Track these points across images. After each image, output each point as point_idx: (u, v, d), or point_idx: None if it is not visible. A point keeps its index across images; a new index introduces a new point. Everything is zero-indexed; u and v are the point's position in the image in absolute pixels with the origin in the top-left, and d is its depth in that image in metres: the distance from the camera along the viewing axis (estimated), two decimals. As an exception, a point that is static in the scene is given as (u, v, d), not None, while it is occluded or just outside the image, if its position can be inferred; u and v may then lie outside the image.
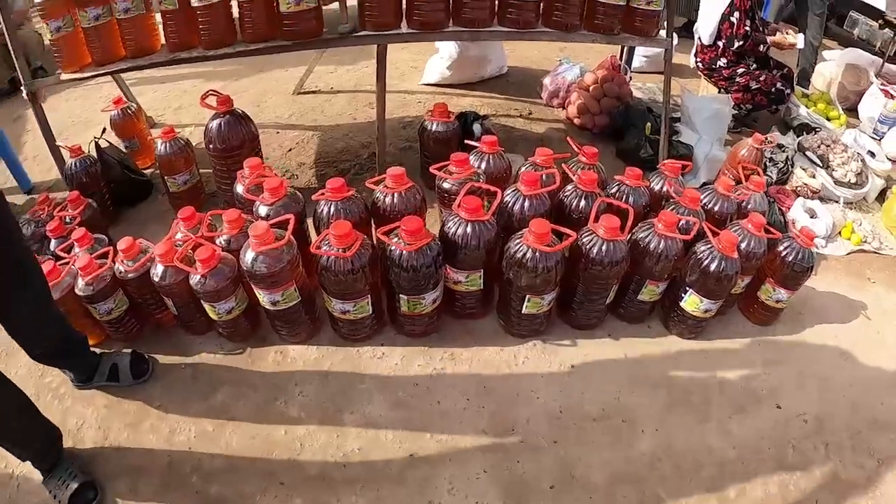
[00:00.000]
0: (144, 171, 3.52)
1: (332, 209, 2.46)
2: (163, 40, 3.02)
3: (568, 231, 2.28)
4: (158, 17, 2.94)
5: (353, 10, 3.00)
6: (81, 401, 2.34)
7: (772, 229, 2.52)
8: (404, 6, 2.98)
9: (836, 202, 3.60)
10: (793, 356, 2.66)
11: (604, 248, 2.30)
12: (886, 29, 5.40)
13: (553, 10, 3.02)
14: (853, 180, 3.64)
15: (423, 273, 2.26)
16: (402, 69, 4.71)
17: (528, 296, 2.37)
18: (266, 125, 4.02)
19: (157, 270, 2.29)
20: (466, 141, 2.81)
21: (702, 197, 2.70)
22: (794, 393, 2.50)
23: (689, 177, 3.61)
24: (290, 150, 3.77)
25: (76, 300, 2.34)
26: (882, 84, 4.51)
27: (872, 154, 3.88)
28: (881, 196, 3.76)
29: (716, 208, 2.70)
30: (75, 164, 3.05)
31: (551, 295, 2.41)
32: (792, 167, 3.70)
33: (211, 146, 2.99)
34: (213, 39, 2.90)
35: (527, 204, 2.47)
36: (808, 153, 3.78)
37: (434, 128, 3.15)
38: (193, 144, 3.25)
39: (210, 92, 3.02)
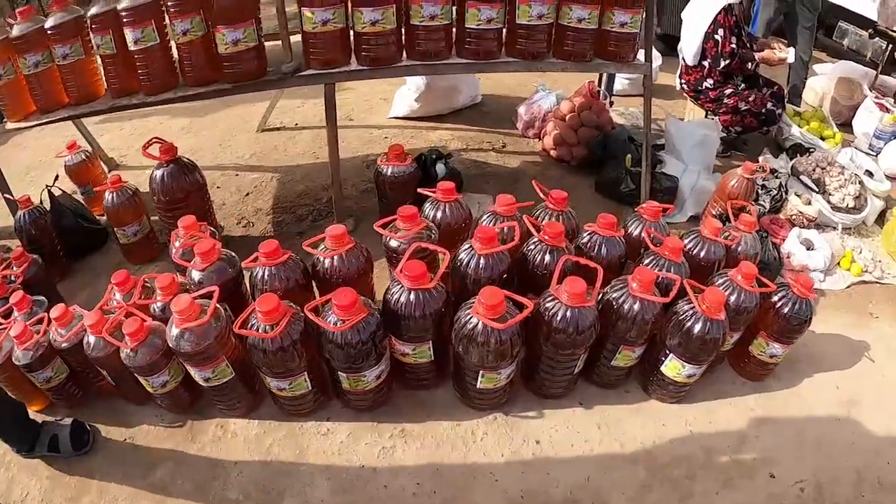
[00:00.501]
0: (100, 219, 3.26)
1: (267, 275, 2.16)
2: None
3: (524, 301, 1.91)
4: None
5: (298, 46, 2.66)
6: (26, 470, 2.19)
7: (765, 280, 2.17)
8: (352, 41, 2.65)
9: (834, 228, 3.27)
10: (789, 414, 2.35)
11: (568, 315, 1.94)
12: (877, 38, 5.09)
13: (517, 38, 2.68)
14: (851, 204, 3.30)
15: (361, 350, 1.94)
16: (371, 101, 4.35)
17: (481, 371, 2.02)
18: (226, 166, 3.73)
19: (89, 340, 2.07)
20: (420, 189, 2.44)
21: (686, 242, 2.35)
22: (790, 458, 2.19)
23: (674, 210, 3.24)
24: (247, 194, 3.44)
25: (16, 367, 2.17)
26: (876, 97, 4.23)
27: (870, 174, 3.53)
28: (880, 218, 3.42)
29: (702, 254, 2.34)
30: (24, 216, 2.82)
31: (509, 369, 2.07)
32: (786, 194, 3.32)
33: (155, 198, 2.74)
34: (154, 85, 2.65)
35: (483, 263, 2.10)
36: (802, 177, 3.43)
37: (389, 172, 2.80)
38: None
39: (153, 140, 2.78)
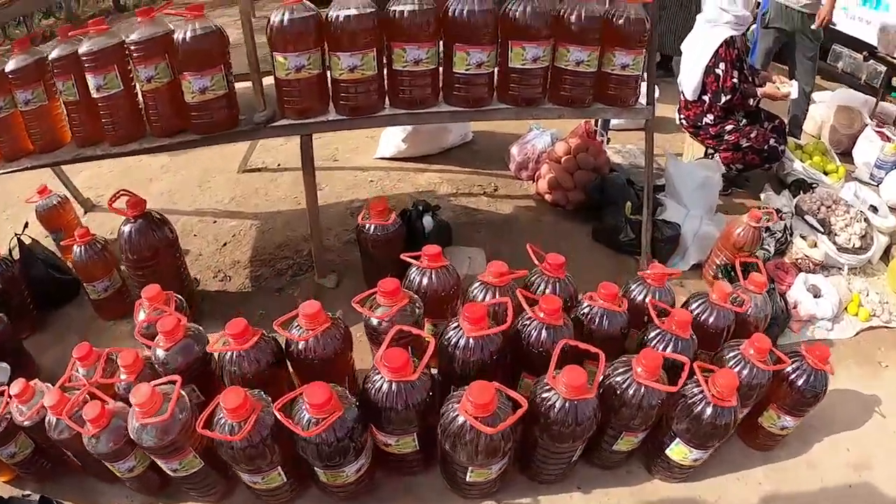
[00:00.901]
0: (72, 268, 2.98)
1: (236, 357, 1.92)
2: (72, 133, 2.56)
3: (517, 397, 1.68)
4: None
5: (273, 90, 2.43)
6: None
7: (779, 354, 1.96)
8: (330, 88, 2.42)
9: (840, 269, 3.07)
10: (800, 487, 2.17)
11: (566, 406, 1.71)
12: (871, 61, 4.96)
13: (509, 83, 2.45)
14: (857, 244, 3.08)
15: (337, 448, 1.72)
16: (357, 141, 4.09)
17: (470, 467, 1.80)
18: (205, 211, 3.48)
19: (51, 421, 1.88)
20: (404, 256, 2.19)
21: (693, 307, 2.15)
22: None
23: (676, 258, 3.03)
24: (225, 243, 3.19)
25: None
26: (877, 125, 4.06)
27: (875, 209, 3.33)
28: (885, 255, 3.23)
29: (710, 321, 2.13)
30: None
31: (500, 464, 1.83)
32: (791, 236, 3.12)
33: (123, 256, 2.51)
34: (119, 134, 2.41)
35: (472, 344, 1.87)
36: (807, 217, 3.20)
37: (372, 231, 2.56)
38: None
39: (120, 192, 2.56)
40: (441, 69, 2.43)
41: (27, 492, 2.17)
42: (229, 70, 2.33)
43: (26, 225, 2.93)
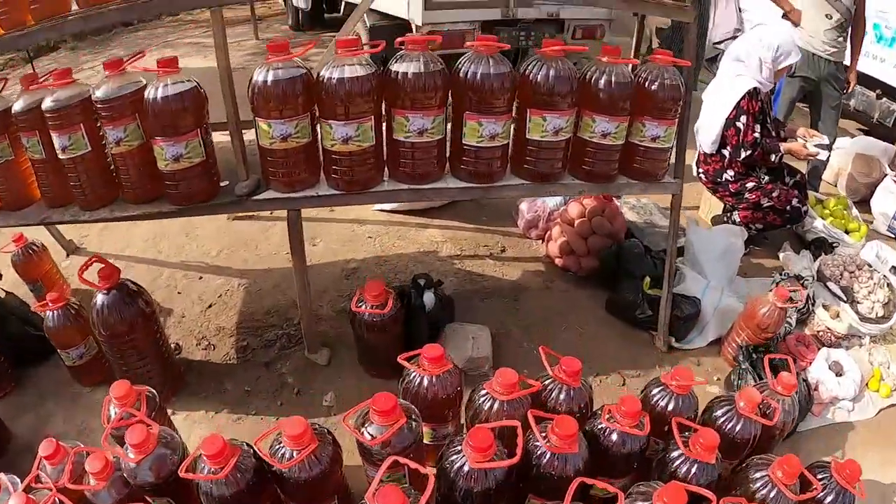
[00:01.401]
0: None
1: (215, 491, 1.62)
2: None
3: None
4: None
5: (256, 162, 2.13)
6: None
7: (809, 476, 1.70)
8: (321, 159, 2.13)
9: (860, 338, 2.81)
10: None
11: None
12: (884, 99, 4.80)
13: (525, 156, 2.16)
14: (880, 313, 2.83)
15: None
16: (357, 190, 3.75)
17: None
18: (190, 264, 3.18)
19: None
20: (401, 359, 1.88)
21: (718, 413, 1.88)
22: None
23: (694, 333, 2.73)
24: (210, 305, 2.89)
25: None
26: None
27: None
28: None
29: (736, 430, 1.85)
30: None
31: None
32: (813, 305, 2.85)
33: (96, 330, 2.23)
34: (88, 199, 2.13)
35: (476, 475, 1.57)
36: (829, 284, 2.95)
37: (367, 318, 2.26)
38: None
39: (93, 259, 2.30)
40: (448, 138, 2.15)
41: None
42: (208, 133, 2.05)
43: (0, 277, 2.74)
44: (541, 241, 3.25)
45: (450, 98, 2.06)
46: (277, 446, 1.65)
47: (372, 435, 1.67)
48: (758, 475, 1.71)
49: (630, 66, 2.15)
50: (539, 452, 1.65)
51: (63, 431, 2.31)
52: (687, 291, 2.70)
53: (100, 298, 2.17)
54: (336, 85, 1.88)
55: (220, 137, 2.15)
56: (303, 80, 1.91)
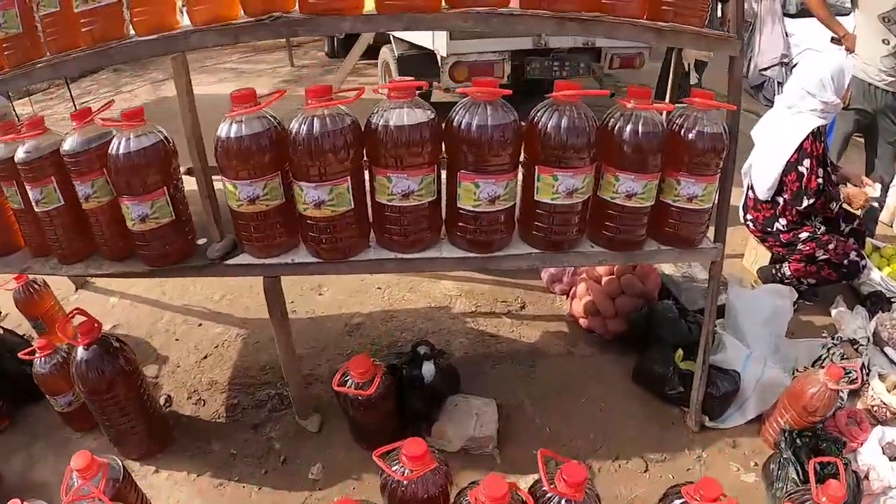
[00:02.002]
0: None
1: None
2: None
3: None
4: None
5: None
6: None
7: None
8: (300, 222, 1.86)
9: None
10: None
11: None
12: None
13: (533, 221, 1.82)
14: None
15: None
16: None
17: None
18: (193, 309, 2.99)
19: None
20: (376, 455, 1.57)
21: None
22: None
23: (733, 409, 2.31)
24: (206, 356, 2.67)
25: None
26: None
27: None
28: None
29: None
30: None
31: None
32: (867, 374, 2.40)
33: (76, 385, 2.10)
34: (65, 252, 1.99)
35: None
36: (887, 350, 2.55)
37: (350, 396, 1.97)
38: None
39: (75, 312, 2.19)
40: (444, 198, 1.84)
41: None
42: (178, 190, 1.83)
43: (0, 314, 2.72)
44: (565, 296, 2.89)
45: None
46: None
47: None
48: None
49: (664, 112, 1.79)
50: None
51: (48, 479, 2.20)
52: (725, 363, 2.30)
53: (79, 353, 2.04)
54: (305, 140, 1.60)
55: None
56: (269, 136, 1.65)
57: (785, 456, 1.99)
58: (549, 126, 1.66)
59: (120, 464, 1.82)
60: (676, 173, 1.78)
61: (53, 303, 2.80)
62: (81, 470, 1.67)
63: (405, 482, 1.57)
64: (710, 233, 1.96)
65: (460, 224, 1.79)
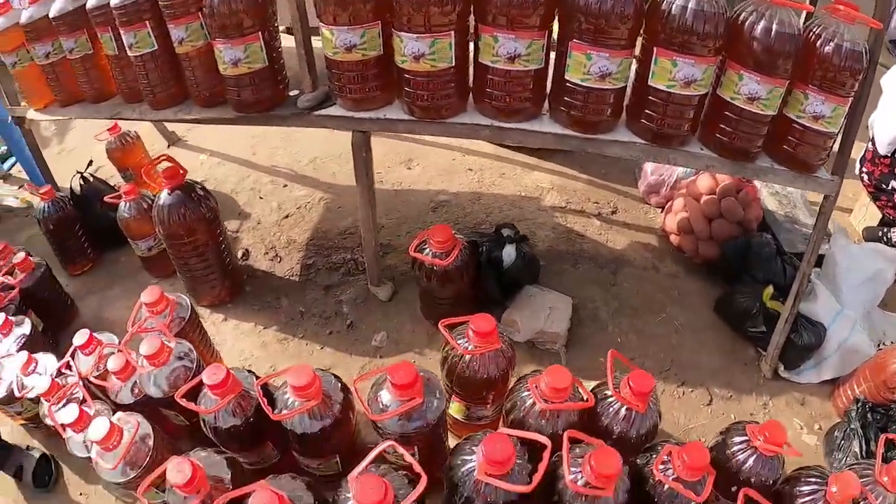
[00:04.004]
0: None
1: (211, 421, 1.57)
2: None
3: None
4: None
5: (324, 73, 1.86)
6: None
7: None
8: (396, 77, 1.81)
9: None
10: None
11: None
12: None
13: (643, 108, 1.71)
14: None
15: None
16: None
17: None
18: (279, 170, 3.06)
19: (43, 403, 1.78)
20: (442, 325, 1.58)
21: (803, 494, 1.42)
22: None
23: (808, 365, 2.18)
24: (287, 216, 2.75)
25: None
26: None
27: None
28: None
29: None
30: (46, 207, 2.50)
31: None
32: None
33: (157, 229, 2.20)
34: (158, 98, 2.07)
35: (484, 488, 1.29)
36: None
37: (426, 266, 1.99)
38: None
39: (162, 157, 2.31)
40: (550, 71, 1.74)
41: (34, 443, 2.08)
42: (273, 36, 1.84)
43: (90, 163, 2.77)
44: (660, 209, 2.76)
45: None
46: (284, 391, 1.51)
47: (384, 404, 1.45)
48: None
49: (803, 13, 1.62)
50: (565, 482, 1.31)
51: (120, 317, 2.33)
52: (814, 314, 2.16)
53: (163, 197, 2.13)
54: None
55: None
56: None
57: (852, 427, 1.89)
58: (674, 5, 1.52)
59: (189, 303, 1.94)
60: (805, 86, 1.60)
61: (144, 155, 2.94)
62: (150, 304, 1.79)
63: (467, 357, 1.58)
64: (830, 164, 1.79)
65: (565, 98, 1.70)
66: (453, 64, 1.68)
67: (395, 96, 1.84)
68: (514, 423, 1.53)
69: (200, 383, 1.52)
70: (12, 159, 3.40)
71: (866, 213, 2.86)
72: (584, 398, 1.51)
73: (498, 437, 1.27)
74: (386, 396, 1.45)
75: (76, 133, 3.66)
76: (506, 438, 1.27)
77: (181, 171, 2.15)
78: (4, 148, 3.44)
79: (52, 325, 2.30)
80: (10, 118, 2.56)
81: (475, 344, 1.55)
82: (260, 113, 1.92)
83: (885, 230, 2.70)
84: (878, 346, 2.22)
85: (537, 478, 1.26)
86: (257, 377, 1.60)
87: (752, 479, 1.42)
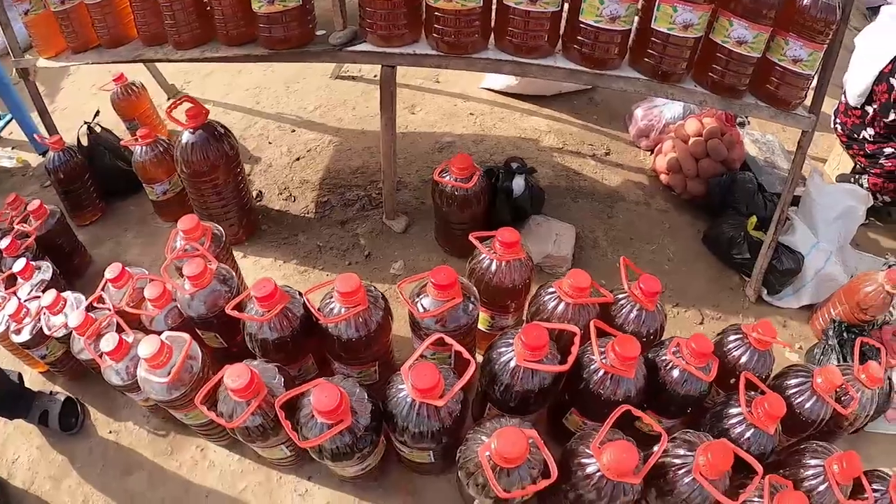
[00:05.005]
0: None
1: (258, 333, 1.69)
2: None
3: (552, 465, 1.36)
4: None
5: (355, 12, 2.04)
6: (22, 432, 2.08)
7: (865, 483, 1.54)
8: (423, 16, 2.01)
9: None
10: None
11: (603, 485, 1.37)
12: None
13: (646, 48, 1.95)
14: None
15: (339, 452, 1.49)
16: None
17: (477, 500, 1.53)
18: (286, 116, 3.20)
19: (75, 338, 1.81)
20: (473, 238, 1.81)
21: (791, 386, 1.69)
22: None
23: (788, 291, 2.48)
24: (298, 158, 2.91)
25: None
26: None
27: None
28: None
29: (805, 406, 1.66)
30: (55, 157, 2.55)
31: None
32: None
33: (179, 168, 2.31)
34: (182, 38, 2.15)
35: (523, 374, 1.53)
36: None
37: (448, 189, 2.19)
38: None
39: (183, 98, 2.30)
40: (564, 12, 1.96)
41: (56, 388, 2.14)
42: None
43: (97, 113, 2.80)
44: (649, 152, 3.03)
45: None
46: (328, 300, 1.66)
47: (424, 307, 1.66)
48: (812, 462, 1.56)
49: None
50: (592, 368, 1.57)
51: (137, 261, 2.47)
52: (793, 244, 2.44)
53: (185, 136, 2.22)
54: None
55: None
56: None
57: (830, 343, 2.15)
58: (676, -45, 1.76)
59: (222, 232, 2.02)
60: (786, 33, 1.86)
61: (149, 105, 3.00)
62: (188, 231, 1.86)
63: (494, 266, 1.78)
64: (808, 102, 2.07)
65: (578, 38, 1.92)
66: (480, 4, 1.88)
67: (422, 34, 2.03)
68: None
69: (248, 298, 1.66)
70: (1, 122, 3.38)
71: (839, 163, 3.14)
72: (603, 295, 1.75)
73: (535, 327, 1.50)
74: (426, 301, 1.65)
75: (67, 92, 3.70)
76: (542, 327, 1.51)
77: (204, 111, 2.23)
78: (-7, 111, 3.45)
79: (68, 272, 2.35)
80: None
81: (502, 253, 1.77)
82: (289, 50, 2.05)
83: (857, 177, 2.96)
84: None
85: (571, 359, 1.51)
86: (299, 293, 1.75)
87: (747, 371, 1.66)
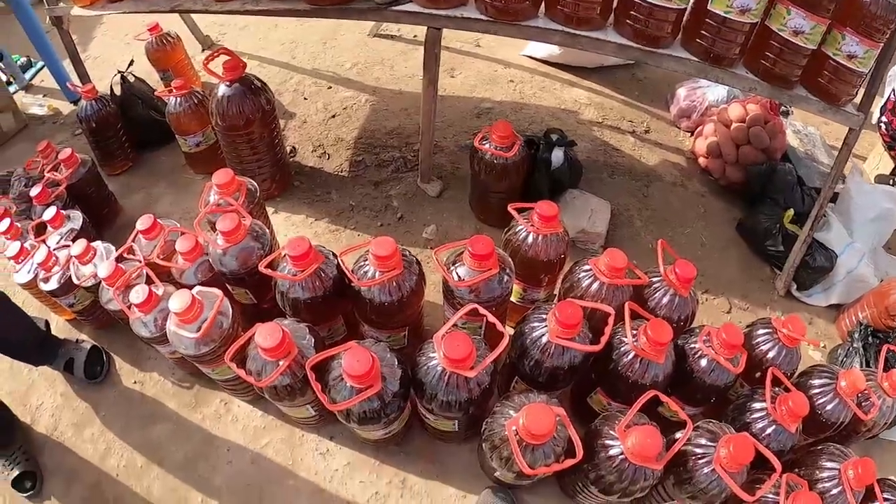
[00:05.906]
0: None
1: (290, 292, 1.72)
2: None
3: (577, 444, 1.40)
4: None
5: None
6: (46, 378, 2.14)
7: (877, 491, 1.56)
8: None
9: None
10: None
11: (626, 467, 1.42)
12: None
13: (700, 30, 1.92)
14: None
15: (367, 416, 1.54)
16: (509, 30, 3.55)
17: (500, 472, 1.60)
18: (322, 73, 3.19)
19: (104, 288, 1.86)
20: (512, 208, 1.83)
21: (814, 386, 1.71)
22: None
23: (817, 289, 2.47)
24: (334, 115, 2.91)
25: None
26: None
27: None
28: None
29: (827, 409, 1.68)
30: (87, 106, 2.57)
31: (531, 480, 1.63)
32: None
33: (214, 120, 2.32)
34: None
35: (553, 349, 1.56)
36: None
37: (488, 157, 2.20)
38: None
39: (220, 51, 2.33)
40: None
41: (82, 336, 2.18)
42: None
43: (131, 62, 2.81)
44: (689, 134, 3.01)
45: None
46: (363, 263, 1.68)
47: (460, 276, 1.67)
48: (829, 465, 1.58)
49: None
50: (623, 350, 1.60)
51: (167, 212, 2.50)
52: (827, 242, 2.43)
53: (222, 89, 2.22)
54: None
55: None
56: None
57: (855, 346, 2.15)
58: (734, -62, 1.73)
59: (256, 187, 2.03)
60: (844, 27, 1.83)
61: (184, 56, 3.00)
62: (223, 185, 1.87)
63: (531, 239, 1.79)
64: (857, 100, 2.04)
65: (631, 13, 1.90)
66: (531, -31, 1.86)
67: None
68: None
69: (280, 256, 1.69)
70: (32, 70, 3.44)
71: (880, 162, 3.09)
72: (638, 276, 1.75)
73: (569, 304, 1.52)
74: (462, 270, 1.67)
75: (100, 42, 3.71)
76: (576, 305, 1.53)
77: (241, 64, 2.22)
78: (24, 59, 3.49)
79: (98, 221, 2.37)
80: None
81: (539, 226, 1.78)
82: (334, 6, 2.03)
83: (895, 179, 2.93)
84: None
85: (604, 339, 1.54)
86: (333, 253, 1.76)
87: (774, 367, 1.68)
